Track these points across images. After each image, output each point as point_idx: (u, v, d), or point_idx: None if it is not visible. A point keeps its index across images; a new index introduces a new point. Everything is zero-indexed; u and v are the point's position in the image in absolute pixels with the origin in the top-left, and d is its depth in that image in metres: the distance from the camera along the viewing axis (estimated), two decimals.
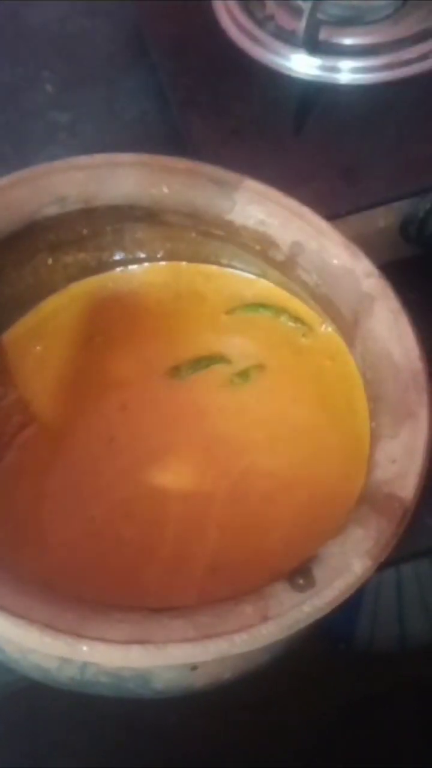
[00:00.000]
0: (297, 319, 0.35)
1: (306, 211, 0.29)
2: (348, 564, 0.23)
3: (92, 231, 0.32)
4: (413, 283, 0.34)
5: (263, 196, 0.29)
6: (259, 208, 0.29)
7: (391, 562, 0.25)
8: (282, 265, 0.31)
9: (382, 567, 0.25)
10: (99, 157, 0.29)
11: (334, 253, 0.29)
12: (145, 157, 0.29)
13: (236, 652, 0.22)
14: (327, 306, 0.30)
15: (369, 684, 0.82)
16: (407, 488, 0.25)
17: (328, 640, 0.77)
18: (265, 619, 0.22)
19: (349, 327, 0.29)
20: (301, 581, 0.23)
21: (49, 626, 0.22)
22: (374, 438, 0.27)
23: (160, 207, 0.30)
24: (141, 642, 0.22)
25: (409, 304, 0.29)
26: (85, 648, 0.21)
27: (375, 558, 0.24)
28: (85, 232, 0.32)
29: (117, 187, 0.29)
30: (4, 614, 0.21)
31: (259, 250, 0.31)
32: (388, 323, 0.27)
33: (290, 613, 0.23)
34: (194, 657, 0.22)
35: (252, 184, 0.29)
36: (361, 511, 0.25)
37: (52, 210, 0.29)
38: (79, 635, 0.22)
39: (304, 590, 0.23)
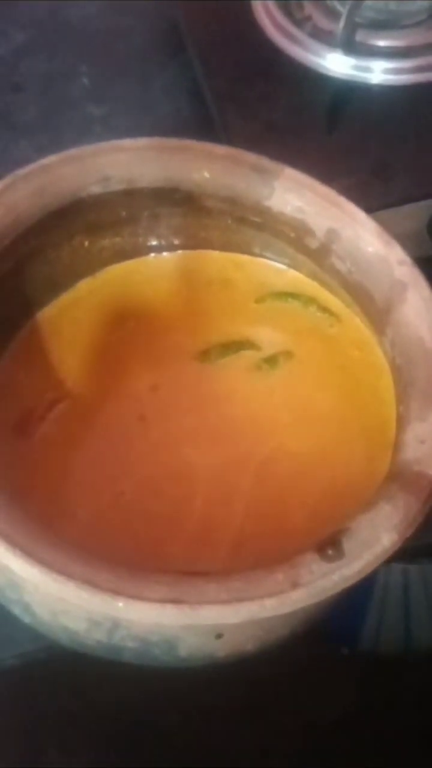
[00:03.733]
0: (325, 309, 0.36)
1: (342, 200, 0.30)
2: (377, 537, 0.24)
3: (130, 214, 0.33)
4: None
5: (302, 184, 0.30)
6: (297, 195, 0.30)
7: (408, 555, 0.26)
8: (316, 252, 0.32)
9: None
10: (143, 140, 0.30)
11: (368, 240, 0.29)
12: (188, 142, 0.30)
13: (266, 615, 0.23)
14: (359, 293, 0.31)
15: (370, 690, 0.82)
16: None
17: (333, 642, 0.77)
18: (295, 585, 0.23)
19: (380, 314, 0.30)
20: (330, 552, 0.24)
21: (88, 582, 0.22)
22: (403, 421, 0.28)
23: (201, 191, 0.31)
24: (175, 602, 0.22)
25: None
26: (121, 604, 0.22)
27: (402, 533, 0.24)
28: (123, 214, 0.33)
29: (160, 169, 0.30)
30: (46, 569, 0.22)
31: (293, 237, 0.32)
32: (421, 310, 0.28)
33: (319, 581, 0.23)
34: (226, 618, 0.23)
35: (291, 173, 0.30)
36: (390, 489, 0.25)
37: (96, 189, 0.30)
38: (117, 592, 0.22)
39: (333, 560, 0.24)
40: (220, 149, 0.30)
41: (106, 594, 0.22)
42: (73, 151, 0.29)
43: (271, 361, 0.35)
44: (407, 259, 0.29)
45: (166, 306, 0.37)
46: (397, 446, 0.27)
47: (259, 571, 0.24)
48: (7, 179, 0.28)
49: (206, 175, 0.30)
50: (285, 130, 0.41)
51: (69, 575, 0.22)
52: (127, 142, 0.30)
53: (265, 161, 0.30)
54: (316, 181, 0.30)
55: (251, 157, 0.30)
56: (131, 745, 0.77)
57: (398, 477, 0.25)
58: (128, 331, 0.36)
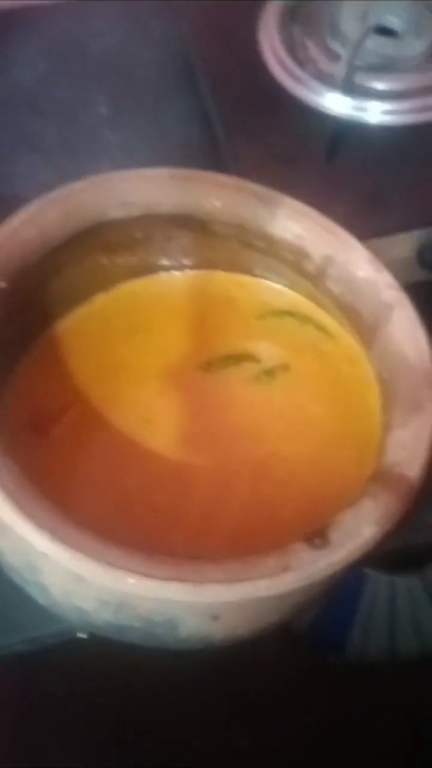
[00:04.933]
0: (320, 327, 0.39)
1: (337, 229, 0.33)
2: (359, 529, 0.27)
3: (145, 236, 0.36)
4: (428, 305, 0.38)
5: (301, 213, 0.34)
6: (297, 223, 0.34)
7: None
8: (312, 275, 0.35)
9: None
10: (162, 170, 0.33)
11: (360, 266, 0.33)
12: (201, 173, 0.34)
13: (259, 595, 0.26)
14: (350, 313, 0.34)
15: (357, 700, 0.84)
16: (414, 469, 0.28)
17: (320, 650, 0.80)
18: (285, 569, 0.26)
19: (369, 332, 0.33)
20: (317, 541, 0.27)
21: (103, 560, 0.25)
22: (387, 429, 0.31)
23: (211, 218, 0.34)
24: (179, 580, 0.25)
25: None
26: (131, 581, 0.25)
27: (383, 526, 0.27)
28: (139, 236, 0.36)
29: (176, 197, 0.33)
30: (66, 548, 0.25)
31: (292, 261, 0.35)
32: (405, 329, 0.31)
33: (307, 566, 0.26)
34: (223, 597, 0.26)
35: (292, 202, 0.34)
36: (373, 488, 0.28)
37: (117, 213, 0.33)
38: (128, 570, 0.25)
39: (319, 549, 0.27)
40: (230, 180, 0.34)
41: (119, 571, 0.25)
42: (95, 178, 0.33)
43: (270, 373, 0.38)
44: (395, 284, 0.32)
45: (174, 320, 0.40)
46: (381, 451, 0.30)
47: (253, 557, 0.26)
48: (39, 202, 0.32)
49: (217, 204, 0.34)
50: (288, 160, 0.45)
51: (86, 553, 0.25)
52: (147, 172, 0.33)
53: (269, 192, 0.34)
54: (315, 211, 0.34)
55: (257, 188, 0.34)
56: (126, 743, 0.79)
57: (381, 478, 0.28)
58: (138, 342, 0.39)
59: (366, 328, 0.33)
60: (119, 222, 0.34)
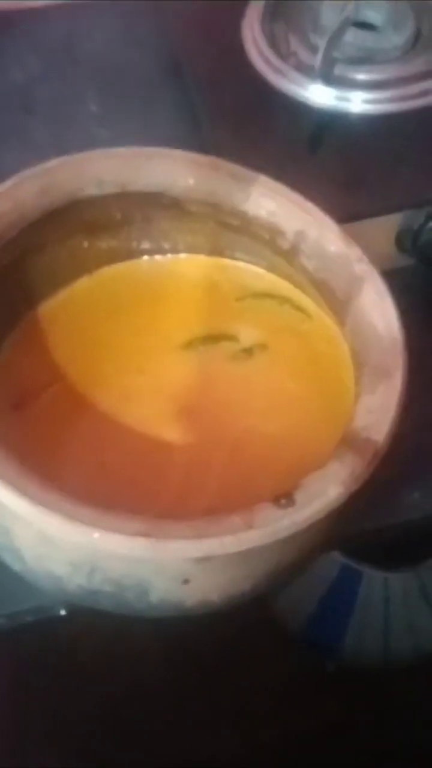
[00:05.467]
0: (298, 308, 0.39)
1: (310, 206, 0.34)
2: (324, 490, 0.27)
3: (124, 217, 0.37)
4: (409, 289, 0.38)
5: (274, 191, 0.34)
6: (270, 200, 0.34)
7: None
8: (287, 252, 0.36)
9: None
10: (135, 149, 0.34)
11: (331, 240, 0.33)
12: (174, 152, 0.34)
13: (224, 552, 0.26)
14: (323, 289, 0.35)
15: (353, 705, 0.84)
16: (380, 433, 0.29)
17: (316, 650, 0.79)
18: (250, 527, 0.26)
19: (341, 306, 0.34)
20: (283, 501, 0.27)
21: (69, 516, 0.26)
22: (357, 396, 0.31)
23: (186, 196, 0.35)
24: (145, 535, 0.26)
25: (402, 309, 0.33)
26: (96, 535, 0.25)
27: (348, 487, 0.28)
28: (118, 216, 0.37)
29: (149, 175, 0.34)
30: (33, 502, 0.26)
31: (267, 239, 0.36)
32: (375, 300, 0.32)
33: (272, 524, 0.27)
34: (188, 552, 0.26)
35: (265, 180, 0.34)
36: (340, 451, 0.29)
37: (91, 191, 0.34)
38: (94, 525, 0.26)
39: (285, 508, 0.27)
40: (203, 158, 0.35)
41: (85, 526, 0.25)
42: (69, 157, 0.34)
43: (248, 352, 0.38)
44: (364, 257, 0.33)
45: (155, 303, 0.40)
46: (350, 417, 0.30)
47: (220, 515, 0.27)
48: (15, 178, 0.33)
49: (190, 181, 0.34)
50: (270, 151, 0.45)
51: (53, 509, 0.26)
52: (120, 150, 0.34)
53: (242, 170, 0.34)
54: (288, 188, 0.34)
55: (230, 166, 0.35)
56: (115, 741, 0.79)
57: (349, 441, 0.29)
58: (120, 323, 0.40)
59: (338, 302, 0.34)
60: (95, 199, 0.34)
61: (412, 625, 0.74)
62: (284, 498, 0.27)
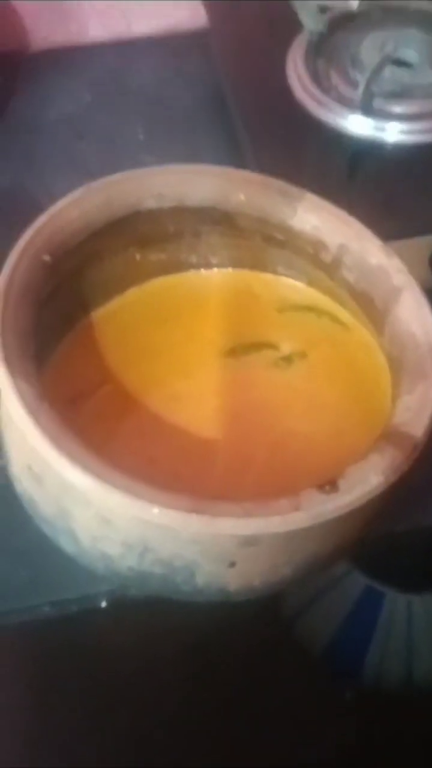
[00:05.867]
0: (336, 320, 0.42)
1: (352, 220, 0.36)
2: (366, 478, 0.29)
3: (176, 230, 0.40)
4: None
5: (319, 206, 0.37)
6: (315, 216, 0.37)
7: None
8: (329, 265, 0.38)
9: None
10: (192, 165, 0.37)
11: (372, 253, 0.36)
12: (227, 169, 0.37)
13: (272, 531, 0.28)
14: (363, 300, 0.37)
15: (370, 734, 0.83)
16: (418, 428, 0.31)
17: (337, 674, 0.80)
18: (296, 509, 0.28)
19: (380, 315, 0.36)
20: (327, 488, 0.29)
21: (131, 492, 0.28)
22: (395, 397, 0.33)
23: (236, 211, 0.38)
24: (199, 512, 0.28)
25: None
26: (156, 511, 0.27)
27: (388, 476, 0.29)
28: (171, 229, 0.40)
29: (204, 190, 0.37)
30: (98, 479, 0.28)
31: (311, 252, 0.38)
32: (412, 309, 0.34)
33: (316, 507, 0.28)
34: (239, 529, 0.28)
35: (311, 197, 0.37)
36: (380, 444, 0.31)
37: (150, 203, 0.37)
38: (153, 501, 0.28)
39: (329, 493, 0.29)
40: (254, 176, 0.37)
41: (145, 501, 0.28)
42: (131, 172, 0.36)
43: (288, 359, 0.41)
44: (404, 268, 0.35)
45: (201, 312, 0.43)
46: (390, 415, 0.32)
47: (268, 499, 0.29)
48: (82, 189, 0.35)
49: (242, 197, 0.37)
50: (311, 176, 0.47)
51: (116, 485, 0.28)
52: (178, 167, 0.37)
53: (290, 187, 0.37)
54: (331, 204, 0.37)
55: (279, 183, 0.37)
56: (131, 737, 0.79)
57: (388, 436, 0.31)
58: (167, 331, 0.42)
59: (377, 312, 0.36)
60: (153, 212, 0.37)
61: None
62: (329, 485, 0.29)
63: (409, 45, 0.51)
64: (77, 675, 0.80)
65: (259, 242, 0.41)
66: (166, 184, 0.37)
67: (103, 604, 0.40)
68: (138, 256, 0.42)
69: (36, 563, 0.39)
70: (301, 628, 0.81)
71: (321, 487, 0.29)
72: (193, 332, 0.42)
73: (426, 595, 0.73)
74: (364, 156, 0.48)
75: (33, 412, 0.29)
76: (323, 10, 0.53)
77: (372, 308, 0.37)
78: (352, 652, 0.76)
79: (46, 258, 0.33)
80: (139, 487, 0.28)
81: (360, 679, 0.78)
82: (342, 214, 0.36)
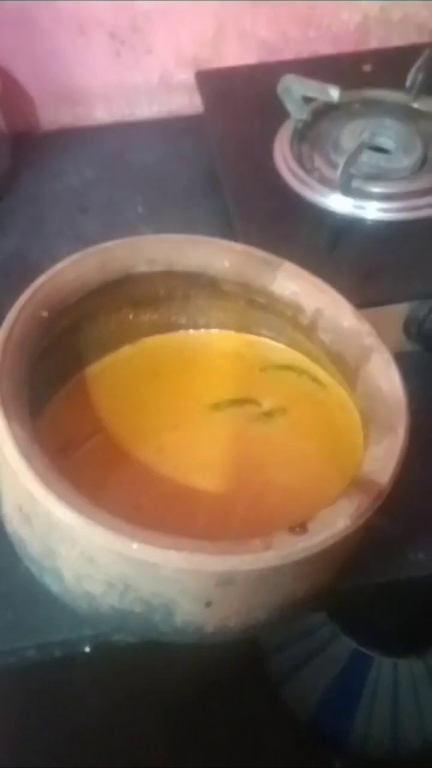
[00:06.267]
0: (315, 379, 0.44)
1: (327, 287, 0.40)
2: (334, 521, 0.31)
3: (167, 293, 0.43)
4: (414, 371, 0.43)
5: (297, 274, 0.40)
6: (294, 282, 0.40)
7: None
8: (306, 328, 0.41)
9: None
10: (181, 235, 0.41)
11: (345, 317, 0.39)
12: (213, 240, 0.41)
13: (245, 568, 0.30)
14: (337, 359, 0.40)
15: None
16: (385, 476, 0.33)
17: (324, 740, 0.79)
18: (268, 548, 0.30)
19: (352, 372, 0.39)
20: (297, 530, 0.31)
21: (113, 528, 0.30)
22: (365, 448, 0.35)
23: (222, 277, 0.41)
24: (177, 549, 0.30)
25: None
26: (135, 546, 0.29)
27: (354, 520, 0.31)
28: (162, 292, 0.43)
29: (192, 257, 0.40)
30: (82, 515, 0.30)
31: (290, 315, 0.41)
32: (381, 367, 0.37)
33: (287, 547, 0.30)
34: (214, 566, 0.30)
35: (290, 266, 0.40)
36: (348, 490, 0.33)
37: (142, 268, 0.40)
38: (133, 537, 0.30)
39: (299, 535, 0.31)
40: (237, 246, 0.41)
41: (126, 537, 0.30)
42: (126, 239, 0.40)
43: (269, 414, 0.43)
44: (373, 331, 0.38)
45: (189, 369, 0.46)
46: (359, 465, 0.34)
47: (242, 539, 0.31)
48: (79, 254, 0.39)
49: (226, 264, 0.40)
50: (294, 249, 0.51)
51: (99, 522, 0.30)
52: (169, 236, 0.40)
53: (270, 256, 0.40)
54: (308, 273, 0.40)
55: (261, 253, 0.41)
56: None
57: (356, 483, 0.33)
58: (157, 386, 0.45)
59: (350, 370, 0.39)
60: (145, 276, 0.40)
61: (421, 714, 0.74)
62: (299, 528, 0.31)
63: (385, 133, 0.56)
64: (55, 725, 0.79)
65: (243, 306, 0.44)
66: (157, 251, 0.40)
67: (87, 648, 0.41)
68: (131, 316, 0.45)
69: (21, 607, 0.41)
70: (288, 693, 0.81)
71: (292, 529, 0.31)
72: (181, 388, 0.45)
73: (411, 659, 0.73)
74: (344, 231, 0.52)
75: (25, 454, 0.32)
76: (307, 100, 0.58)
77: (345, 367, 0.39)
78: (339, 717, 0.76)
79: (44, 314, 0.36)
80: (121, 525, 0.30)
81: (347, 745, 0.78)
82: (318, 282, 0.40)
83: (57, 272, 0.37)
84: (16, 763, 0.77)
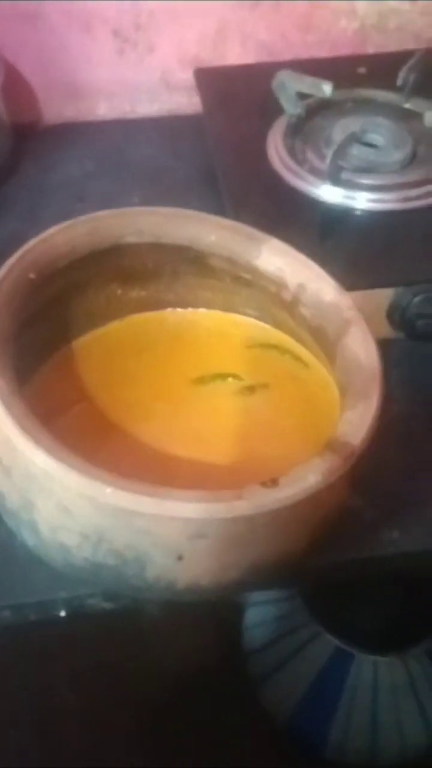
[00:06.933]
0: (298, 358, 0.45)
1: (310, 263, 0.41)
2: (305, 477, 0.32)
3: (155, 267, 0.44)
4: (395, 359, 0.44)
5: (282, 250, 0.41)
6: (278, 258, 0.41)
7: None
8: (289, 304, 0.42)
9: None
10: (171, 209, 0.42)
11: (326, 292, 0.40)
12: (202, 214, 0.42)
13: (216, 516, 0.30)
14: (318, 332, 0.41)
15: None
16: (357, 438, 0.34)
17: (301, 744, 0.78)
18: (239, 498, 0.31)
19: (332, 345, 0.39)
20: (269, 483, 0.32)
21: (87, 473, 0.30)
22: (341, 413, 0.36)
23: (209, 251, 0.42)
24: (149, 495, 0.30)
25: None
26: (108, 490, 0.30)
27: (325, 476, 0.32)
28: (150, 265, 0.44)
29: (180, 230, 0.41)
30: (59, 461, 0.30)
31: (274, 291, 0.42)
32: (359, 338, 0.38)
33: (257, 498, 0.31)
34: (186, 512, 0.30)
35: (275, 242, 0.41)
36: (322, 450, 0.33)
37: (131, 238, 0.41)
38: (107, 482, 0.30)
39: (269, 488, 0.31)
40: (225, 221, 0.42)
41: (100, 482, 0.30)
42: (116, 210, 0.41)
43: (251, 389, 0.44)
44: (353, 305, 0.39)
45: (175, 347, 0.47)
46: (335, 428, 0.35)
47: (214, 491, 0.31)
48: (69, 222, 0.40)
49: (213, 238, 0.42)
50: (288, 238, 0.52)
51: (74, 467, 0.31)
52: (158, 209, 0.42)
53: (257, 232, 0.42)
54: (293, 249, 0.41)
55: (247, 229, 0.42)
56: None
57: (329, 444, 0.34)
58: (143, 361, 0.46)
59: (329, 343, 0.40)
60: (133, 247, 0.41)
61: (400, 722, 0.74)
62: (270, 482, 0.32)
63: (376, 130, 0.57)
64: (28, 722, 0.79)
65: (230, 283, 0.45)
66: (146, 222, 0.41)
67: (62, 612, 0.42)
68: (119, 292, 0.46)
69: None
70: (267, 695, 0.80)
71: (264, 483, 0.32)
72: (166, 363, 0.46)
73: (392, 658, 0.73)
74: (335, 221, 0.53)
75: (6, 402, 0.32)
76: (302, 96, 0.59)
77: (326, 341, 0.40)
78: (317, 721, 0.76)
79: (32, 276, 0.37)
80: (96, 471, 0.31)
81: (324, 752, 0.77)
82: (302, 257, 0.41)
83: (47, 236, 0.38)
84: None
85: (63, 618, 0.42)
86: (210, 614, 0.93)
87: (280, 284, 0.42)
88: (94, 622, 0.89)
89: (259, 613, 0.83)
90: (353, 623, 0.74)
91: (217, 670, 0.87)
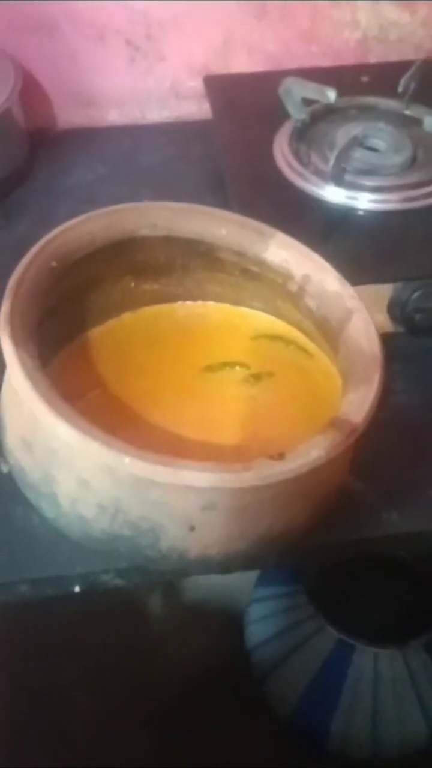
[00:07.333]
0: (302, 349, 0.47)
1: (315, 256, 0.43)
2: (309, 452, 0.34)
3: (167, 261, 0.46)
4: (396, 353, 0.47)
5: (288, 243, 0.44)
6: (284, 251, 0.43)
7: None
8: (295, 295, 0.44)
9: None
10: (182, 204, 0.44)
11: (330, 282, 0.42)
12: (212, 209, 0.44)
13: (225, 486, 0.33)
14: (322, 323, 0.43)
15: None
16: (358, 417, 0.36)
17: (304, 738, 0.79)
18: (247, 470, 0.33)
19: (335, 334, 0.42)
20: (276, 457, 0.34)
21: (107, 443, 0.32)
22: (343, 395, 0.38)
23: (218, 245, 0.45)
24: (165, 464, 0.32)
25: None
26: (127, 460, 0.32)
27: (328, 452, 0.34)
28: (162, 259, 0.46)
29: (191, 224, 0.44)
30: (81, 432, 0.33)
31: (280, 283, 0.44)
32: (361, 326, 0.40)
33: (264, 470, 0.33)
34: (198, 481, 0.32)
35: (282, 236, 0.44)
36: (325, 428, 0.36)
37: (145, 232, 0.43)
38: (125, 452, 0.32)
39: (276, 461, 0.34)
40: (235, 216, 0.44)
41: (118, 451, 0.32)
42: (131, 204, 0.43)
43: (257, 376, 0.46)
44: (355, 294, 0.41)
45: (185, 338, 0.49)
46: (338, 409, 0.37)
47: (224, 463, 0.33)
48: (88, 214, 0.42)
49: (223, 232, 0.44)
50: (292, 235, 0.54)
51: (95, 437, 0.33)
52: (170, 204, 0.44)
53: (264, 226, 0.44)
54: (298, 242, 0.43)
55: (255, 223, 0.44)
56: None
57: (332, 423, 0.36)
58: (154, 350, 0.48)
59: (333, 334, 0.42)
60: (147, 240, 0.44)
61: (400, 714, 0.75)
62: (277, 456, 0.34)
63: (378, 135, 0.60)
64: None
65: (238, 276, 0.47)
66: (159, 216, 0.43)
67: (77, 588, 0.43)
68: (133, 284, 0.48)
69: (16, 546, 0.43)
70: (270, 690, 0.82)
71: (271, 457, 0.34)
72: (177, 354, 0.48)
73: (392, 650, 0.74)
74: (338, 220, 0.56)
75: (30, 376, 0.34)
76: (307, 102, 0.62)
77: (329, 330, 0.43)
78: (321, 711, 0.77)
79: (53, 264, 0.40)
80: (116, 441, 0.33)
81: (326, 746, 0.78)
82: (306, 250, 0.43)
83: (67, 227, 0.41)
84: None
85: (77, 594, 0.44)
86: (214, 613, 0.95)
87: (287, 276, 0.44)
88: (101, 621, 0.91)
89: (263, 609, 0.85)
90: (354, 616, 0.75)
91: (222, 667, 0.88)
